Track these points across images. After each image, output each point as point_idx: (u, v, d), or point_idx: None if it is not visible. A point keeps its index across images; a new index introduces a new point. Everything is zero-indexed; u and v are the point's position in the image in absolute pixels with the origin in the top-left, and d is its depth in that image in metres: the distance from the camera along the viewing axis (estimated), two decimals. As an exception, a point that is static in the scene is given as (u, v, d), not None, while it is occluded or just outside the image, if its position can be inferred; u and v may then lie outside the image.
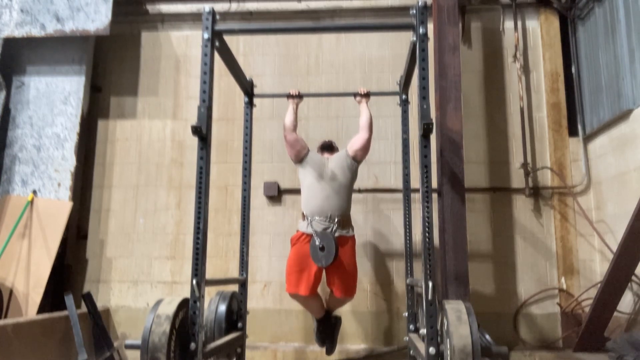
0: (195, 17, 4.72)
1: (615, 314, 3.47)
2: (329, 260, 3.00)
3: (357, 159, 3.33)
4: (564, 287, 4.10)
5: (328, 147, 3.52)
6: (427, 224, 2.43)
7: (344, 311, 4.17)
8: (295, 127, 3.38)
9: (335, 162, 3.31)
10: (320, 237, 3.03)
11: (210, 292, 3.42)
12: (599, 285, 3.56)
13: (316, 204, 3.18)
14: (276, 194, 4.38)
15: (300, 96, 3.51)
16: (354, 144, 3.33)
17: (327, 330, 3.43)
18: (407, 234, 3.57)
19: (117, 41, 4.74)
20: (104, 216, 4.54)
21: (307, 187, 3.26)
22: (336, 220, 3.13)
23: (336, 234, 3.09)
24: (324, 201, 3.17)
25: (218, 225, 4.38)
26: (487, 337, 3.53)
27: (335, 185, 3.22)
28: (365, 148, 3.31)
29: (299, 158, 3.33)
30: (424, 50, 2.52)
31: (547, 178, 4.30)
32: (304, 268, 3.13)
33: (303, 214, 3.25)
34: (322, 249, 3.01)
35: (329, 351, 3.51)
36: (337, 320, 3.52)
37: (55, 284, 4.16)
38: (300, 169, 3.36)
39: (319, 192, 3.20)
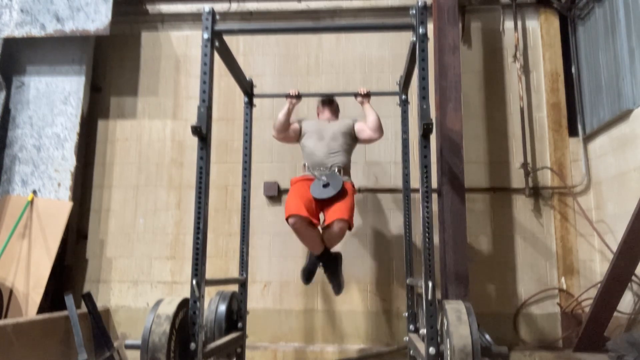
0: (195, 17, 4.72)
1: (615, 314, 3.47)
2: (337, 188, 3.10)
3: (360, 140, 3.52)
4: (564, 287, 4.10)
5: (329, 102, 3.64)
6: (427, 224, 2.43)
7: (343, 311, 4.18)
8: (285, 127, 3.47)
9: (338, 127, 3.45)
10: (327, 176, 3.17)
11: (210, 292, 3.41)
12: (599, 285, 3.56)
13: (317, 158, 3.34)
14: (276, 194, 4.38)
15: (299, 97, 3.52)
16: (363, 134, 3.49)
17: (330, 265, 3.34)
18: (407, 234, 3.57)
19: (117, 41, 4.74)
20: (104, 216, 4.54)
21: (308, 147, 3.41)
22: (336, 169, 3.28)
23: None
24: (325, 156, 3.33)
25: (218, 225, 4.38)
26: (487, 337, 3.53)
27: (336, 145, 3.36)
28: (370, 142, 3.59)
29: (296, 132, 3.53)
30: (423, 50, 2.52)
31: (547, 178, 4.30)
32: (304, 196, 3.16)
33: (305, 164, 3.39)
34: (326, 185, 3.12)
35: (337, 290, 3.41)
36: (338, 255, 3.41)
37: (55, 284, 4.16)
38: (302, 138, 3.51)
39: (320, 149, 3.36)
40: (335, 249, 3.35)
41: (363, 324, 4.16)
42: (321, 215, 3.25)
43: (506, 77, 4.49)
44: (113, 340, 4.00)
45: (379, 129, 3.43)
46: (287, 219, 3.08)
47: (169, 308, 2.34)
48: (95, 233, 4.51)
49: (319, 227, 3.25)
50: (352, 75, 4.56)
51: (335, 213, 3.10)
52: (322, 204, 3.18)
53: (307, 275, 3.38)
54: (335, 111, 3.66)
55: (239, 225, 3.60)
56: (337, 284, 3.40)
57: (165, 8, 4.75)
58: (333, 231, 3.12)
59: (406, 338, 3.25)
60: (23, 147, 4.41)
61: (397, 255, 4.21)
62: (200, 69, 2.63)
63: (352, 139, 3.47)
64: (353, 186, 3.37)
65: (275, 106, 4.48)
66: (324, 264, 3.35)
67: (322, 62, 4.62)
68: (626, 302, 3.57)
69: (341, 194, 3.14)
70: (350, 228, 3.14)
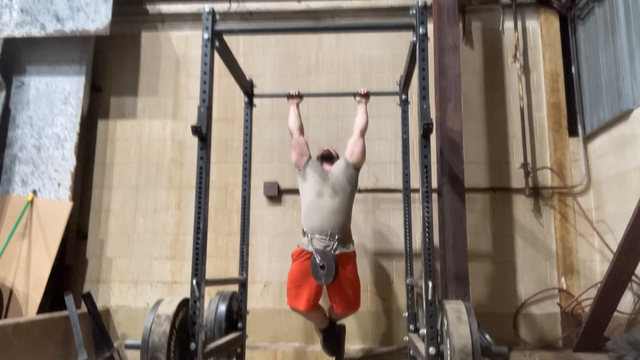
0: (195, 17, 4.73)
1: (615, 314, 3.47)
2: (329, 280, 3.02)
3: (358, 165, 3.32)
4: (564, 287, 4.10)
5: (327, 157, 3.45)
6: (427, 224, 2.43)
7: (344, 311, 4.18)
8: (300, 127, 3.38)
9: (335, 176, 3.26)
10: (320, 256, 3.03)
11: (210, 292, 3.42)
12: (599, 285, 3.56)
13: (316, 222, 3.15)
14: (276, 194, 4.38)
15: (300, 96, 3.52)
16: (354, 149, 3.30)
17: (332, 340, 3.43)
18: (407, 234, 3.57)
19: (117, 41, 4.74)
20: (104, 216, 4.54)
21: (307, 204, 3.24)
22: (336, 237, 3.13)
23: (336, 252, 3.09)
24: (324, 219, 3.15)
25: (218, 225, 4.38)
26: (487, 337, 3.53)
27: (335, 203, 3.18)
28: (364, 152, 3.33)
29: (299, 164, 3.32)
30: (423, 50, 2.52)
31: (547, 178, 4.30)
32: (304, 284, 3.14)
33: (303, 230, 3.23)
34: (322, 267, 3.02)
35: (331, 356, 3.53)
36: (341, 329, 3.52)
37: (55, 284, 4.16)
38: (300, 179, 3.34)
39: (319, 210, 3.17)
40: None
41: (363, 324, 4.16)
42: None
43: (506, 77, 4.49)
44: (113, 340, 4.00)
45: (364, 132, 3.33)
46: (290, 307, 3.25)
47: (169, 308, 2.35)
48: (95, 233, 4.51)
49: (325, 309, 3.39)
50: (352, 75, 4.56)
51: (342, 304, 3.22)
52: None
53: (331, 349, 3.47)
54: (334, 162, 3.43)
55: (239, 225, 3.60)
56: (339, 355, 3.49)
57: (165, 8, 4.75)
58: (339, 316, 3.39)
59: (406, 338, 3.26)
60: (23, 147, 4.41)
61: (397, 255, 4.21)
62: (200, 69, 2.63)
63: (350, 183, 3.27)
64: (354, 253, 3.27)
65: (275, 106, 4.48)
66: (328, 338, 3.41)
67: (322, 62, 4.62)
68: (626, 302, 3.57)
69: (344, 274, 3.13)
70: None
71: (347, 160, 3.30)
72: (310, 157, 3.35)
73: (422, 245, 2.44)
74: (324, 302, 3.35)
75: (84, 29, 4.33)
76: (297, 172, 3.37)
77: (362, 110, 3.40)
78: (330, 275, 3.00)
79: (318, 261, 3.02)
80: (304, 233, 3.22)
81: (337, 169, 3.30)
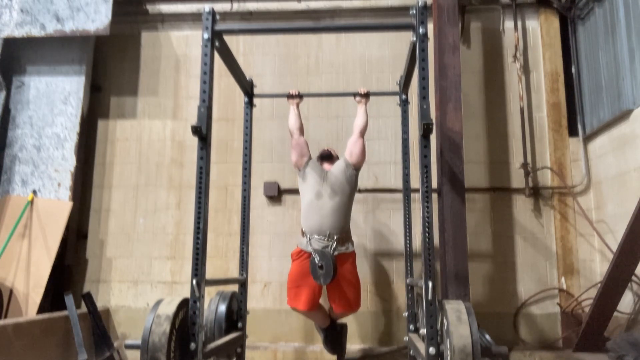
0: (195, 17, 4.72)
1: (615, 314, 3.47)
2: (327, 280, 3.02)
3: (358, 165, 3.32)
4: (564, 287, 4.10)
5: (327, 157, 3.45)
6: (427, 224, 2.43)
7: (344, 311, 4.18)
8: (300, 127, 3.38)
9: (334, 176, 3.25)
10: (319, 256, 3.04)
11: (210, 292, 3.42)
12: (599, 285, 3.56)
13: (315, 222, 3.16)
14: (276, 194, 4.38)
15: (300, 96, 3.52)
16: (353, 149, 3.30)
17: (333, 339, 3.44)
18: (407, 234, 3.57)
19: (117, 41, 4.74)
20: (104, 216, 4.54)
21: (306, 204, 3.24)
22: (335, 238, 3.13)
23: (335, 253, 3.10)
24: (323, 219, 3.15)
25: (218, 225, 4.38)
26: (487, 337, 3.53)
27: (334, 204, 3.18)
28: (364, 152, 3.33)
29: (299, 165, 3.32)
30: (423, 50, 2.52)
31: (547, 178, 4.30)
32: (304, 284, 3.15)
33: (302, 230, 3.24)
34: (321, 267, 3.02)
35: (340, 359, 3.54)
36: (342, 328, 3.52)
37: (55, 284, 4.16)
38: (300, 179, 3.34)
39: (318, 210, 3.17)
40: None
41: (363, 324, 4.16)
42: None
43: (506, 77, 4.49)
44: (113, 340, 4.00)
45: (364, 131, 3.33)
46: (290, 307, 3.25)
47: (169, 308, 2.35)
48: (95, 233, 4.51)
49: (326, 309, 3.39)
50: (352, 75, 4.56)
51: (341, 304, 3.24)
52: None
53: (333, 347, 3.47)
54: (333, 162, 3.42)
55: (239, 225, 3.60)
56: (341, 354, 3.49)
57: (165, 8, 4.75)
58: (339, 316, 3.40)
59: (406, 338, 3.26)
60: (23, 147, 4.41)
61: (397, 255, 4.21)
62: (200, 69, 2.63)
63: (350, 183, 3.27)
64: (353, 253, 3.27)
65: (275, 106, 4.48)
66: (330, 337, 3.42)
67: (322, 62, 4.62)
68: (626, 302, 3.57)
69: (343, 274, 3.13)
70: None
71: (347, 161, 3.30)
72: (310, 158, 3.35)
73: (422, 245, 2.44)
74: (324, 301, 3.36)
75: (84, 29, 4.33)
76: (297, 172, 3.37)
77: (362, 111, 3.41)
78: (328, 275, 3.00)
79: (317, 261, 3.02)
80: (303, 233, 3.22)
81: (336, 169, 3.29)
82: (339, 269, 3.05)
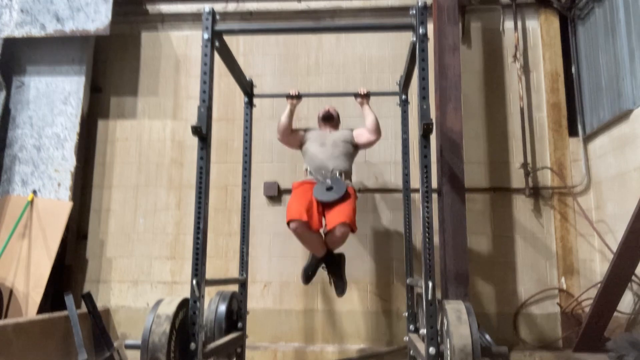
0: (195, 17, 4.72)
1: (615, 314, 3.47)
2: (340, 192, 3.10)
3: (358, 146, 3.53)
4: (564, 287, 4.10)
5: (328, 118, 3.62)
6: (427, 224, 2.43)
7: (343, 311, 4.18)
8: (288, 129, 3.50)
9: (337, 136, 3.47)
10: (330, 179, 3.19)
11: (210, 292, 3.41)
12: (599, 285, 3.56)
13: (319, 161, 3.36)
14: (276, 194, 4.38)
15: (299, 97, 3.53)
16: (361, 137, 3.51)
17: (333, 267, 3.33)
18: (407, 234, 3.57)
19: (117, 41, 4.74)
20: (104, 216, 4.54)
21: (311, 154, 3.42)
22: (338, 173, 3.30)
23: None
24: (328, 160, 3.34)
25: (218, 225, 4.38)
26: (487, 337, 3.53)
27: (337, 151, 3.38)
28: (370, 146, 3.60)
29: (300, 145, 3.54)
30: (423, 50, 2.52)
31: (547, 178, 4.30)
32: (306, 199, 3.13)
33: (306, 169, 3.41)
34: (329, 188, 3.13)
35: (340, 292, 3.38)
36: (341, 256, 3.39)
37: (55, 284, 4.16)
38: (304, 150, 3.51)
39: (322, 153, 3.37)
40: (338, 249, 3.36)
41: (363, 324, 4.16)
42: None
43: (506, 77, 4.49)
44: (113, 340, 4.00)
45: (377, 130, 3.44)
46: (288, 223, 3.06)
47: (169, 308, 2.34)
48: (95, 233, 4.51)
49: (321, 231, 3.22)
50: (352, 75, 4.56)
51: (337, 216, 3.05)
52: (325, 207, 3.15)
53: (307, 275, 3.37)
54: (335, 125, 3.65)
55: (239, 225, 3.60)
56: (340, 285, 3.38)
57: (165, 8, 4.75)
58: (335, 235, 3.09)
59: (406, 338, 3.26)
60: (23, 147, 4.41)
61: (397, 255, 4.21)
62: (200, 69, 2.63)
63: (352, 145, 3.48)
64: (355, 191, 3.35)
65: (275, 106, 4.48)
66: (327, 265, 3.36)
67: (322, 62, 4.62)
68: (626, 302, 3.57)
69: (343, 198, 3.13)
70: (353, 231, 3.11)
71: (352, 136, 3.51)
72: (305, 131, 3.57)
73: (422, 245, 2.44)
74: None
75: (84, 29, 4.33)
76: (301, 150, 3.54)
77: (366, 110, 3.49)
78: (340, 190, 3.11)
79: (328, 182, 3.16)
80: (307, 172, 3.40)
81: (339, 134, 3.52)
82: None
